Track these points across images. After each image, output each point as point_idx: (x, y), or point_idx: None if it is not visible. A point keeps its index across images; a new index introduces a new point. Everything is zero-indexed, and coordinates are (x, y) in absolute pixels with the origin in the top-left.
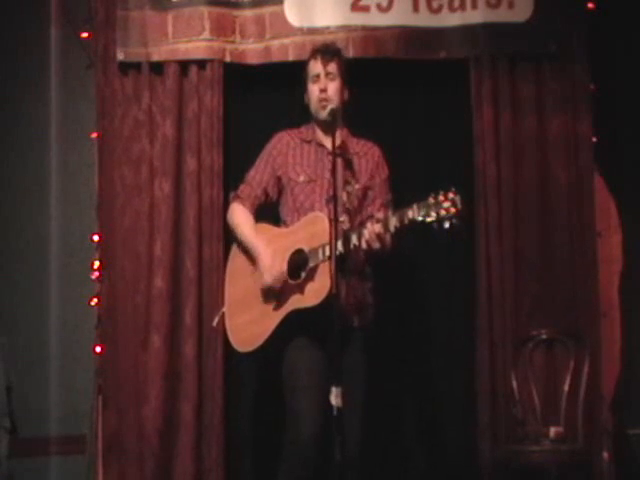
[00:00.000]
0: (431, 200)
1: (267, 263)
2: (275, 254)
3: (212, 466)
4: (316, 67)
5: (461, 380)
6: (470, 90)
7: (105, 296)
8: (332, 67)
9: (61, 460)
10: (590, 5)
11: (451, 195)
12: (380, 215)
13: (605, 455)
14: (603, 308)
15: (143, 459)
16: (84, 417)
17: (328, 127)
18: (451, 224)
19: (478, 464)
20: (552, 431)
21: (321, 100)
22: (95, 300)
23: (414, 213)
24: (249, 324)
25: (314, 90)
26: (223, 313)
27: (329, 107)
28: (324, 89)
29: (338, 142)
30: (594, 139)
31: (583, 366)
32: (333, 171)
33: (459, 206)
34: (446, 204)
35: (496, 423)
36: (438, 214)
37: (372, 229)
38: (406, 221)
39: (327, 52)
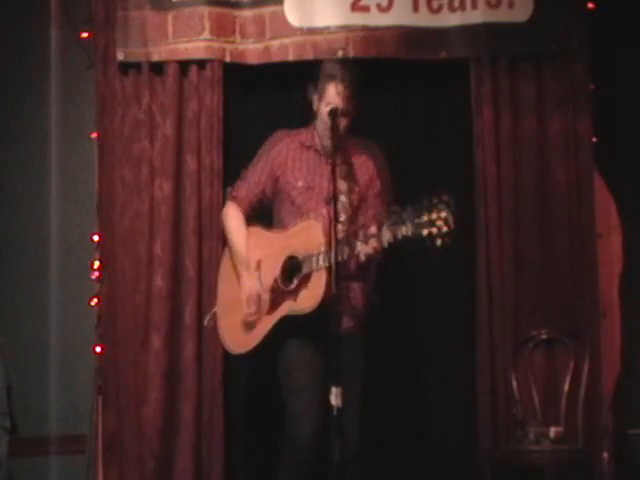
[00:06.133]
0: (424, 218)
1: (245, 290)
2: (267, 259)
3: (212, 466)
4: (335, 98)
5: (461, 380)
6: (470, 90)
7: (105, 296)
8: (348, 93)
9: (61, 460)
10: (590, 5)
11: (444, 214)
12: (373, 230)
13: (605, 455)
14: (603, 308)
15: (143, 459)
16: (84, 417)
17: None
18: (443, 242)
19: (478, 464)
20: (552, 431)
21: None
22: (95, 300)
23: (407, 230)
24: (242, 326)
25: (325, 116)
26: (215, 312)
27: (329, 107)
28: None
29: (338, 146)
30: (594, 139)
31: (583, 366)
32: (333, 175)
33: (451, 225)
34: (439, 222)
35: (496, 423)
36: (430, 232)
37: (367, 245)
38: (399, 237)
39: (346, 81)
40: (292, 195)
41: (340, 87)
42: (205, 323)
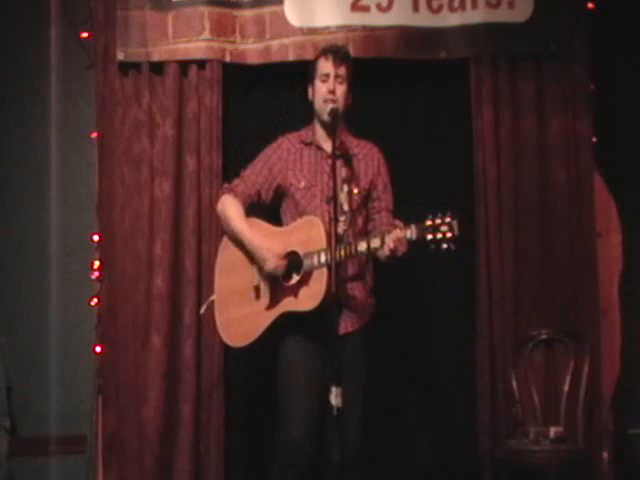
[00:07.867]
0: (428, 223)
1: (266, 248)
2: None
3: (211, 465)
4: (326, 66)
5: (461, 380)
6: (470, 90)
7: (105, 296)
8: (342, 70)
9: (61, 460)
10: (590, 5)
11: (448, 219)
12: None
13: (605, 455)
14: (603, 308)
15: (143, 459)
16: (84, 417)
17: (329, 128)
18: (447, 247)
19: (478, 464)
20: (552, 431)
21: (327, 101)
22: (95, 300)
23: (412, 233)
24: (240, 320)
25: (321, 89)
26: (212, 302)
27: (329, 107)
28: (332, 90)
29: (337, 143)
30: (594, 139)
31: (583, 366)
32: (333, 173)
33: (456, 231)
34: (443, 228)
35: (496, 423)
36: (434, 237)
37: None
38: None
39: (339, 54)
40: (296, 197)
41: (331, 57)
42: (201, 312)
